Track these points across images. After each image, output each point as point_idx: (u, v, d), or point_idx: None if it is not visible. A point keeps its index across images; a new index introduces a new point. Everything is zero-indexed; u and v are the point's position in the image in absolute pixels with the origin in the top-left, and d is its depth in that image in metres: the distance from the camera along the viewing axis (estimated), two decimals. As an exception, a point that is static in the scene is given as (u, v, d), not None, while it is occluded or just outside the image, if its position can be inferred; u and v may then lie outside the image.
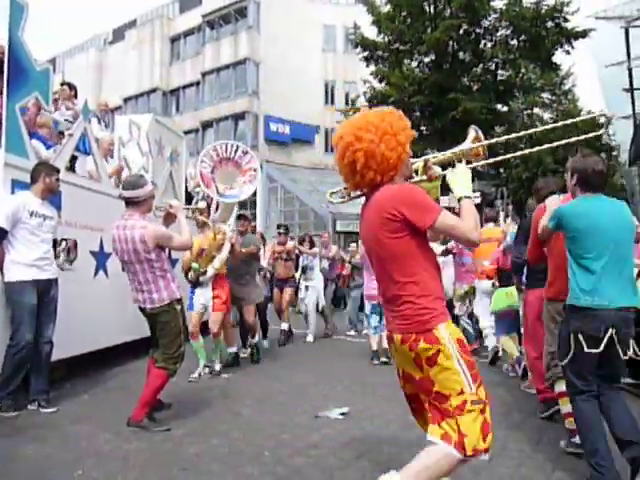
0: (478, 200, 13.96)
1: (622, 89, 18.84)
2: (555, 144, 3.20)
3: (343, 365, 6.70)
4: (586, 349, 2.84)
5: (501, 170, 22.71)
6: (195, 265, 5.80)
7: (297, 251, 9.01)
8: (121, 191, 4.05)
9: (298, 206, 27.80)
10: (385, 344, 6.89)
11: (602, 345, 2.81)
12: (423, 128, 19.73)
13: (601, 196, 3.08)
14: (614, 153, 26.01)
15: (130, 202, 3.94)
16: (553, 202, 3.61)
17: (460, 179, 2.38)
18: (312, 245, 9.27)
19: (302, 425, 4.07)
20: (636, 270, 3.99)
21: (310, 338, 8.73)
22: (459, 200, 2.30)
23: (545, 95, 25.71)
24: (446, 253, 7.71)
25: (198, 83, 32.05)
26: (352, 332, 9.82)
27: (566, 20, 16.71)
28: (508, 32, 17.51)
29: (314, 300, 8.95)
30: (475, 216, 2.23)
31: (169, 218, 4.27)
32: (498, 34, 17.74)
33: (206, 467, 3.22)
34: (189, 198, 8.70)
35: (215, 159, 6.40)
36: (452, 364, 2.14)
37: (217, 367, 5.92)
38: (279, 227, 8.88)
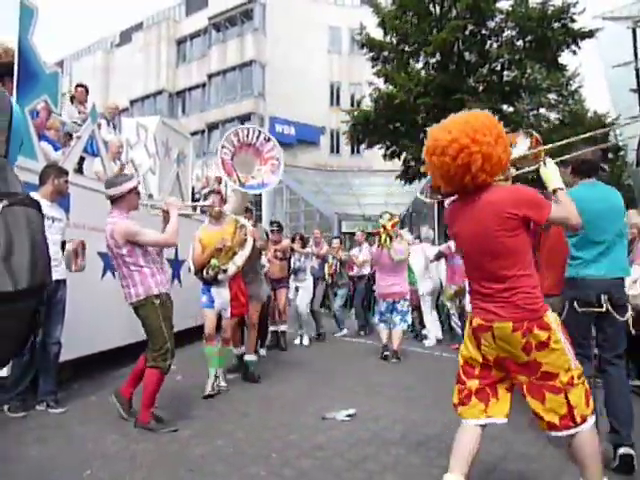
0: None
1: (629, 89, 18.77)
2: (564, 141, 3.39)
3: (347, 366, 6.70)
4: (578, 309, 3.24)
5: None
6: (214, 261, 5.06)
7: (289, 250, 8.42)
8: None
9: (304, 207, 27.84)
10: (395, 345, 6.93)
11: (595, 308, 3.23)
12: (428, 129, 19.70)
13: (596, 182, 3.54)
14: (621, 153, 25.89)
15: (111, 200, 4.05)
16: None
17: (552, 173, 2.64)
18: (304, 244, 8.96)
19: (308, 426, 4.08)
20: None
21: (306, 341, 8.55)
22: (554, 192, 2.55)
23: (551, 96, 25.61)
24: (438, 258, 7.88)
25: (204, 85, 32.18)
26: (361, 332, 9.82)
27: (573, 20, 16.65)
28: (514, 33, 17.46)
29: (307, 301, 8.66)
30: (572, 203, 2.49)
31: (168, 216, 4.27)
32: (504, 35, 17.69)
33: (212, 468, 3.23)
34: (195, 199, 8.74)
35: (236, 144, 5.57)
36: (561, 346, 2.39)
37: (223, 383, 5.28)
38: (272, 224, 8.15)
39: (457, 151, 2.34)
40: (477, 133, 2.33)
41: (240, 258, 5.20)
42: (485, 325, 2.47)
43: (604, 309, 3.21)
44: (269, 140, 5.71)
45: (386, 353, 6.93)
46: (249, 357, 5.92)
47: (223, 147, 5.46)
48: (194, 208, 5.83)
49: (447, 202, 2.80)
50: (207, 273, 5.08)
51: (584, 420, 2.40)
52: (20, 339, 1.45)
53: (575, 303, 3.27)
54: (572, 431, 2.40)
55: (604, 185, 3.57)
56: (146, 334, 4.05)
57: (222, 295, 5.22)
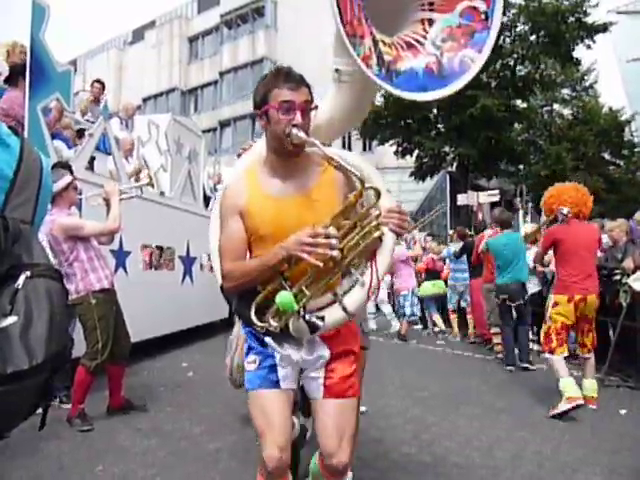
0: (497, 198, 14.01)
1: (644, 84, 18.50)
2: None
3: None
4: (508, 302, 6.32)
5: (520, 167, 22.48)
6: (286, 298, 1.70)
7: None
8: None
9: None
10: (404, 330, 8.48)
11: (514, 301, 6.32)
12: (440, 125, 19.62)
13: (509, 232, 6.64)
14: (637, 149, 25.57)
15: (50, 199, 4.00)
16: (487, 234, 7.37)
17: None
18: None
19: (319, 423, 4.07)
20: None
21: None
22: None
23: (565, 91, 25.37)
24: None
25: (216, 82, 32.26)
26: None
27: (587, 14, 16.47)
28: (527, 28, 17.31)
29: None
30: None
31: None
32: (517, 29, 17.55)
33: (225, 464, 3.24)
34: (207, 198, 8.77)
35: None
36: None
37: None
38: None
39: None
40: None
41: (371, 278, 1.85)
42: (583, 297, 4.46)
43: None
44: None
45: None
46: None
47: None
48: (140, 189, 5.17)
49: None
50: (266, 321, 1.82)
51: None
52: (28, 411, 1.45)
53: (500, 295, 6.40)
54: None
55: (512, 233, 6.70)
56: (82, 331, 4.01)
57: (311, 353, 1.98)
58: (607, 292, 5.83)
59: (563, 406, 4.20)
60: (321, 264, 1.65)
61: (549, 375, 4.99)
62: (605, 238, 6.68)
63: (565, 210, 4.60)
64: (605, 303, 5.93)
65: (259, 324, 1.77)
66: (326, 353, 1.92)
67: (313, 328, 1.74)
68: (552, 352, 4.45)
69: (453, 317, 9.17)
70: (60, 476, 3.07)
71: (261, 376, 1.92)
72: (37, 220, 1.49)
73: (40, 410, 1.49)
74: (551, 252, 5.05)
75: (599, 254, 6.53)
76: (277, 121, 1.77)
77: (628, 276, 5.61)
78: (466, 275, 8.47)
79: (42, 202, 1.52)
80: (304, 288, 1.72)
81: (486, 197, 14.41)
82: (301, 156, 1.86)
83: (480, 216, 13.78)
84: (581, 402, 4.19)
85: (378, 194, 1.71)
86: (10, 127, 1.55)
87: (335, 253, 1.63)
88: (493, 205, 13.72)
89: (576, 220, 4.62)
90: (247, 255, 1.89)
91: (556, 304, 4.52)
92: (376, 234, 1.72)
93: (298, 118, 1.75)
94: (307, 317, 1.72)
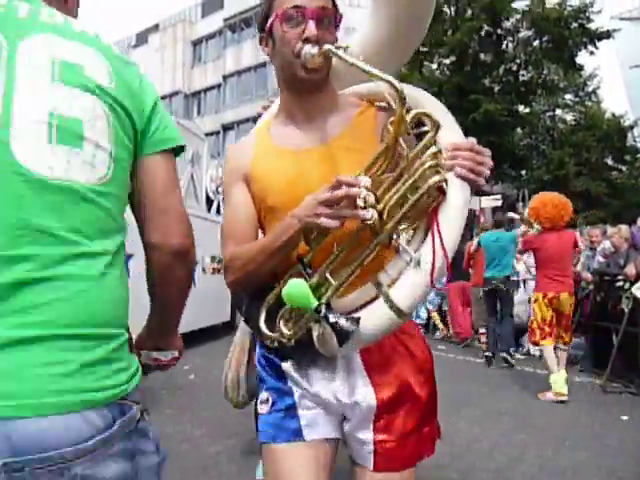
0: (499, 202, 14.06)
1: (647, 90, 18.52)
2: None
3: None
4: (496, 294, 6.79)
5: (522, 172, 22.48)
6: (297, 288, 1.11)
7: None
8: None
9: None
10: None
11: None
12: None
13: (501, 231, 7.03)
14: (639, 155, 25.55)
15: None
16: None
17: None
18: None
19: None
20: None
21: None
22: None
23: (568, 96, 25.39)
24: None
25: (219, 86, 32.36)
26: None
27: (590, 21, 16.50)
28: (530, 33, 17.35)
29: None
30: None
31: None
32: (520, 35, 17.59)
33: (226, 467, 3.25)
34: (210, 201, 8.79)
35: None
36: None
37: None
38: None
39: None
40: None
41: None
42: (557, 295, 5.08)
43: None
44: None
45: None
46: None
47: None
48: None
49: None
50: (277, 330, 1.21)
51: None
52: None
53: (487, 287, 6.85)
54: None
55: (502, 232, 6.99)
56: None
57: (350, 394, 1.30)
58: (609, 298, 5.83)
59: (550, 397, 4.94)
60: (349, 231, 1.10)
61: (547, 380, 5.00)
62: (607, 244, 6.69)
63: (533, 230, 5.65)
64: (607, 309, 5.93)
65: (268, 334, 1.21)
66: (370, 395, 1.26)
67: (342, 335, 1.06)
68: (536, 344, 5.39)
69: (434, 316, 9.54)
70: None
71: (275, 423, 1.29)
72: None
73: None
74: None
75: (601, 260, 6.58)
76: (282, 38, 1.20)
77: (631, 282, 5.60)
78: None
79: None
80: (327, 275, 1.13)
81: (489, 202, 14.40)
82: (326, 91, 1.28)
83: (482, 220, 13.78)
84: (565, 399, 4.84)
85: (436, 126, 1.09)
86: None
87: (369, 214, 1.02)
88: (495, 210, 13.72)
89: (551, 231, 5.19)
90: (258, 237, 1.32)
91: (535, 301, 5.31)
92: (433, 180, 1.05)
93: (311, 28, 1.16)
94: (332, 318, 1.06)
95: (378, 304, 1.10)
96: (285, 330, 1.17)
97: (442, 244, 1.03)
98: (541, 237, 5.30)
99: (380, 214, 1.07)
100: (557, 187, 21.61)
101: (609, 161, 25.42)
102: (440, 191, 1.07)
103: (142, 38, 37.72)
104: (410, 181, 1.07)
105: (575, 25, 16.62)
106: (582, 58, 17.68)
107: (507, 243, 6.81)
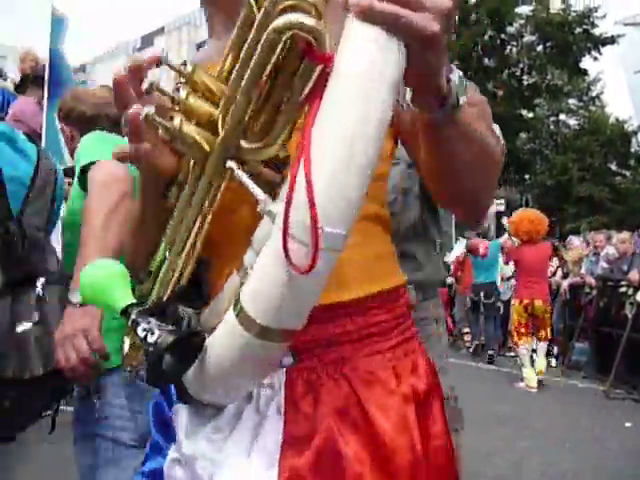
0: (502, 207, 14.14)
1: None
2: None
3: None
4: (484, 300, 7.40)
5: (526, 176, 22.48)
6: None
7: None
8: None
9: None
10: None
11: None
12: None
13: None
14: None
15: None
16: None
17: None
18: None
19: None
20: None
21: None
22: None
23: (572, 101, 25.39)
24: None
25: (223, 89, 32.48)
26: None
27: (594, 26, 16.53)
28: (534, 38, 17.38)
29: None
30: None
31: None
32: (524, 39, 17.62)
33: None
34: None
35: None
36: None
37: None
38: None
39: None
40: None
41: None
42: (532, 301, 5.62)
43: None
44: None
45: None
46: None
47: None
48: None
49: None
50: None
51: None
52: (38, 413, 1.47)
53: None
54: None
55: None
56: None
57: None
58: (613, 304, 5.85)
59: (522, 387, 5.68)
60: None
61: (550, 385, 5.02)
62: (611, 249, 6.70)
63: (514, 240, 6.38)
64: (611, 315, 5.94)
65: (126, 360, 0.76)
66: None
67: (154, 364, 0.59)
68: (516, 345, 5.87)
69: None
70: None
71: None
72: (50, 227, 1.53)
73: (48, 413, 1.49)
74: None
75: (605, 265, 6.61)
76: None
77: (635, 288, 5.62)
78: None
79: (56, 209, 1.56)
80: (167, 254, 0.72)
81: (492, 206, 14.43)
82: None
83: (486, 225, 13.79)
84: (534, 391, 5.54)
85: None
86: (25, 134, 1.59)
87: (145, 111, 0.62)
88: (499, 214, 13.74)
89: (528, 243, 5.72)
90: None
91: (513, 305, 5.97)
92: (283, 21, 0.53)
93: None
94: (142, 329, 0.59)
95: (230, 310, 0.62)
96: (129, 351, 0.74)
97: (307, 174, 0.50)
98: (520, 249, 5.90)
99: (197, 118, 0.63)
100: (560, 192, 21.64)
101: (613, 166, 25.37)
102: (308, 52, 0.55)
103: (147, 41, 37.88)
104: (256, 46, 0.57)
105: (579, 30, 16.65)
106: (586, 63, 17.71)
107: (496, 249, 7.23)
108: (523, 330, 5.75)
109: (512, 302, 6.06)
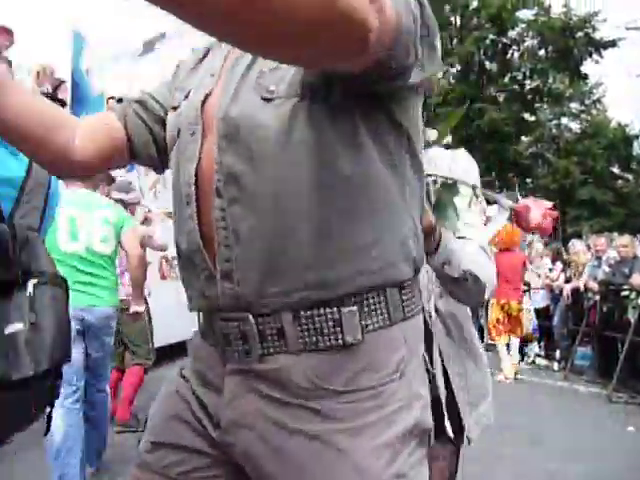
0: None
1: (653, 99, 18.52)
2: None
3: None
4: None
5: (528, 180, 22.47)
6: None
7: None
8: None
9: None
10: None
11: None
12: (449, 138, 19.64)
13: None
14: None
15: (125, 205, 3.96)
16: None
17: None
18: None
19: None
20: None
21: None
22: None
23: (574, 105, 25.39)
24: None
25: (225, 93, 32.58)
26: None
27: (595, 30, 16.55)
28: (536, 42, 17.42)
29: None
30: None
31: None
32: (525, 44, 17.65)
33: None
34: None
35: None
36: None
37: None
38: None
39: None
40: None
41: None
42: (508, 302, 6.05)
43: None
44: None
45: None
46: None
47: None
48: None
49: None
50: None
51: None
52: (32, 416, 1.46)
53: None
54: None
55: None
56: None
57: None
58: (615, 308, 5.83)
59: (501, 378, 6.12)
60: None
61: (553, 391, 5.00)
62: (613, 253, 6.69)
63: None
64: (613, 319, 5.93)
65: None
66: None
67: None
68: (493, 340, 6.58)
69: None
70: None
71: None
72: (44, 227, 1.51)
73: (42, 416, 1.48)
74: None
75: (607, 269, 6.62)
76: None
77: (637, 292, 5.60)
78: None
79: (49, 209, 1.54)
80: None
81: (494, 210, 14.43)
82: None
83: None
84: (510, 382, 6.10)
85: None
86: None
87: None
88: (501, 218, 13.74)
89: (506, 252, 6.25)
90: None
91: (491, 304, 6.53)
92: None
93: None
94: None
95: None
96: None
97: None
98: (497, 257, 6.16)
99: None
100: (563, 195, 21.59)
101: (615, 170, 25.36)
102: None
103: (149, 46, 38.04)
104: None
105: (580, 34, 16.68)
106: (587, 67, 17.74)
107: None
108: (501, 327, 6.50)
109: (490, 301, 6.56)
